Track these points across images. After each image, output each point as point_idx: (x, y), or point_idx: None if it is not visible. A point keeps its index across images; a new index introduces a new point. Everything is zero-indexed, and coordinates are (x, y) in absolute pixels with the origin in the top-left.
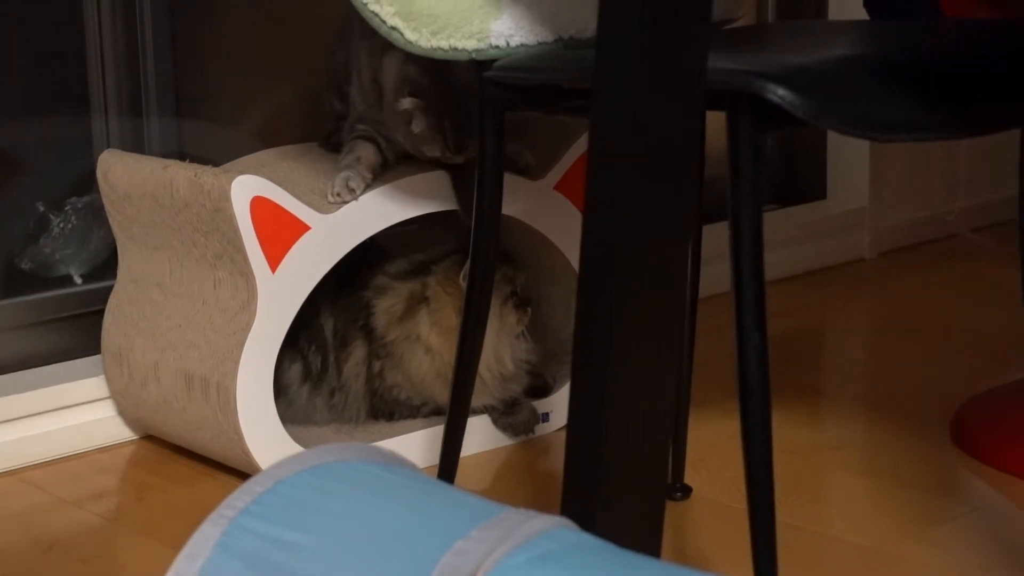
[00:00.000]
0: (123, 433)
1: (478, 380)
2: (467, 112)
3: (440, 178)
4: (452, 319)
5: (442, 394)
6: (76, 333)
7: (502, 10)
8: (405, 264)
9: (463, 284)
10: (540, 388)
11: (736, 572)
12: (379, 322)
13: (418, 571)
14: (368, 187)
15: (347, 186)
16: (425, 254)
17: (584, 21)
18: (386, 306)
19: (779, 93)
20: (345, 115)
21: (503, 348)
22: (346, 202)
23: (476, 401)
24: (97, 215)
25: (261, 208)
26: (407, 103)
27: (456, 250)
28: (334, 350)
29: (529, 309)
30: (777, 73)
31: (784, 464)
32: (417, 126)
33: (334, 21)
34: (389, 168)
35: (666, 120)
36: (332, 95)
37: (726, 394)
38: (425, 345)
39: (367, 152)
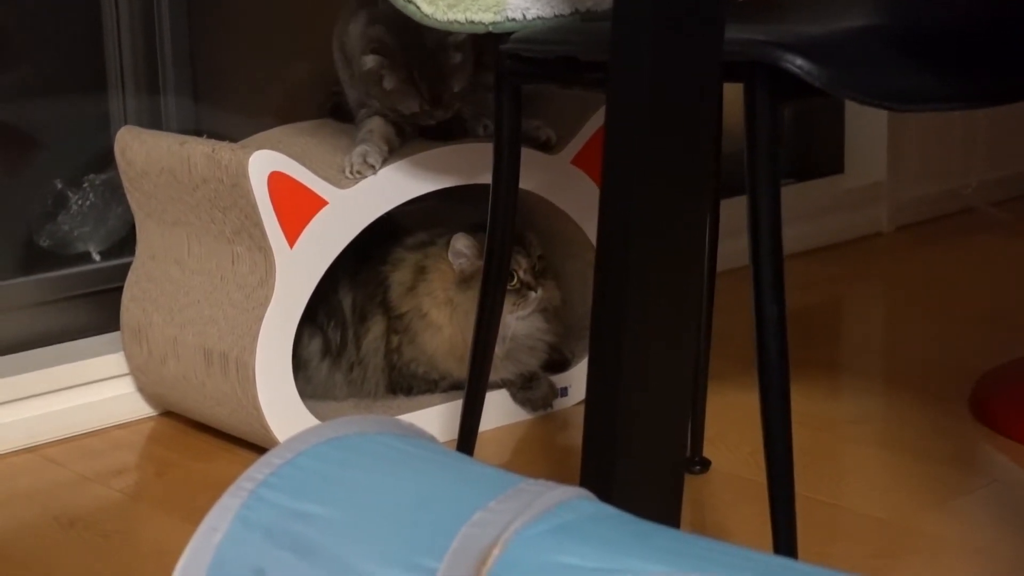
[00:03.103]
0: (142, 409)
1: None
2: (438, 66)
3: (458, 152)
4: (441, 292)
5: (456, 368)
6: (95, 310)
7: None
8: (423, 236)
9: (451, 260)
10: (558, 363)
11: (755, 544)
12: (394, 295)
13: (438, 542)
14: (387, 160)
15: (365, 161)
16: (444, 227)
17: None
18: (399, 278)
19: (796, 63)
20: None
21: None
22: (366, 177)
23: (493, 375)
24: (115, 192)
25: (278, 183)
26: (371, 60)
27: (476, 225)
28: (353, 325)
29: (533, 293)
30: (794, 43)
31: (802, 437)
32: (388, 82)
33: None
34: (407, 139)
35: (683, 93)
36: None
37: (744, 368)
38: (431, 320)
39: (379, 124)
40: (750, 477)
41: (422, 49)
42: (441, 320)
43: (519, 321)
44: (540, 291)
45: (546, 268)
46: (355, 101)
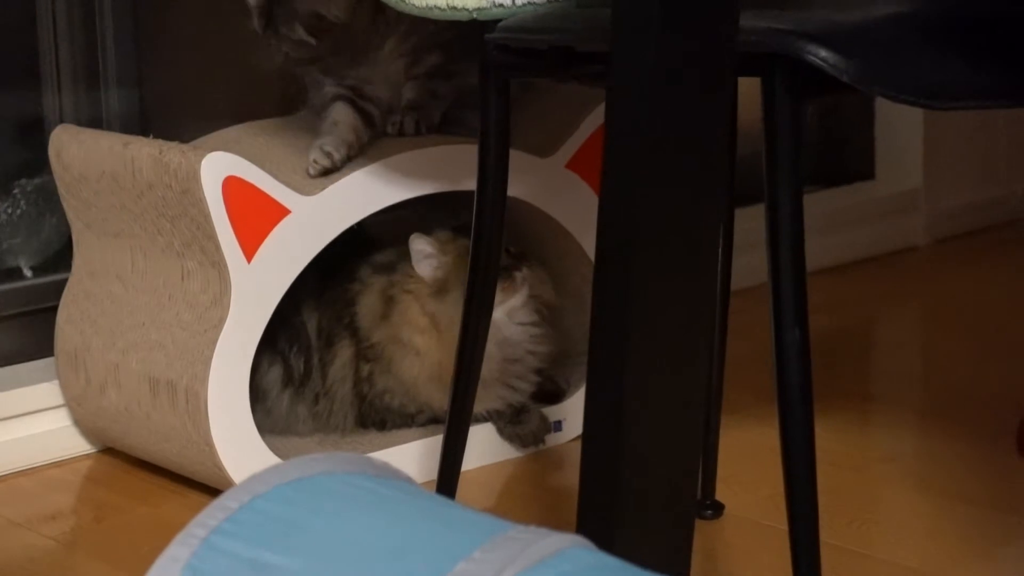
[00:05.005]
0: (79, 445)
1: None
2: None
3: (435, 155)
4: (419, 317)
5: (438, 399)
6: (26, 333)
7: None
8: (391, 254)
9: (417, 268)
10: (551, 393)
11: None
12: (363, 321)
13: None
14: (353, 153)
15: (323, 150)
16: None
17: None
18: (368, 303)
19: (821, 55)
20: None
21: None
22: (327, 170)
23: (478, 406)
24: (49, 199)
25: (234, 189)
26: None
27: (437, 221)
28: (318, 351)
29: (519, 273)
30: (818, 32)
31: (828, 478)
32: None
33: None
34: (377, 130)
35: (693, 87)
36: None
37: (762, 399)
38: (410, 347)
39: (343, 113)
40: (768, 523)
41: None
42: (423, 345)
43: (511, 324)
44: (525, 269)
45: (525, 253)
46: (315, 80)
